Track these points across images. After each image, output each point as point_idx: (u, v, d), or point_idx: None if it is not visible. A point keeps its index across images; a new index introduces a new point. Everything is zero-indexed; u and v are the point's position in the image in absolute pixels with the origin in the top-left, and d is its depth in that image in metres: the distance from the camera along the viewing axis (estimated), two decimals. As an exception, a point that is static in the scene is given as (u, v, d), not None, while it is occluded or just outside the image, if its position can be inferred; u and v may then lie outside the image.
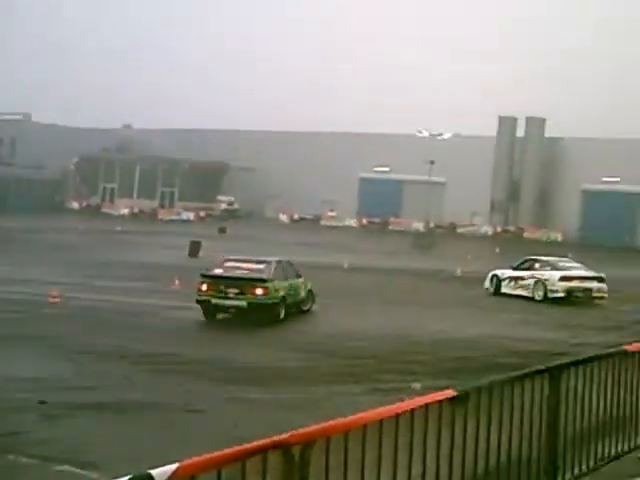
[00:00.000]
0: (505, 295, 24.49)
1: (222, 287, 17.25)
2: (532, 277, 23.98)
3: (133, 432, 8.89)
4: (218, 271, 17.93)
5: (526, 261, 25.15)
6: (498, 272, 25.39)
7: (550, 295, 23.29)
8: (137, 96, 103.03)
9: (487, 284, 25.47)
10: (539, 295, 23.54)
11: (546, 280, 23.50)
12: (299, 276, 19.33)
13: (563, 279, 23.29)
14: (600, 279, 23.61)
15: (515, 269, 24.96)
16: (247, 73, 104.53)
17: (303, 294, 19.25)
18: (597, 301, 23.53)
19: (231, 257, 19.11)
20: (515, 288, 24.44)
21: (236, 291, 17.16)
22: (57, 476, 7.40)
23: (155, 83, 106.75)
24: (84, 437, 8.67)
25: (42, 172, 71.38)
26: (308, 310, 19.47)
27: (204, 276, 17.74)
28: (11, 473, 7.48)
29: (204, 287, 17.41)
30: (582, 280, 23.47)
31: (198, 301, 17.56)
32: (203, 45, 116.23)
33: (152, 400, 10.27)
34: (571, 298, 23.30)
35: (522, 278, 24.29)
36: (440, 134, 63.43)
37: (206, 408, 9.92)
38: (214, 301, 17.29)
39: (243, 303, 17.14)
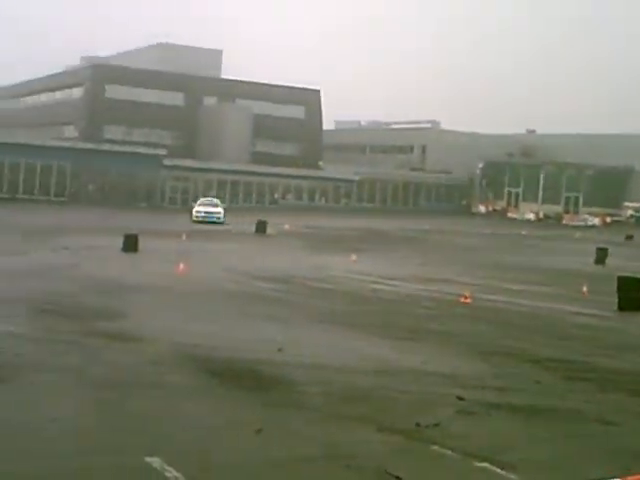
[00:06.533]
0: None
1: None
2: None
3: (546, 437, 8.72)
4: None
5: None
6: None
7: None
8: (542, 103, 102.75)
9: None
10: None
11: None
12: None
13: None
14: None
15: None
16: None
17: None
18: None
19: None
20: None
21: None
22: (477, 472, 7.55)
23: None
24: (500, 436, 8.72)
25: (449, 177, 75.31)
26: None
27: None
28: (436, 464, 7.84)
29: None
30: None
31: None
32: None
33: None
34: None
35: None
36: None
37: (621, 421, 9.40)
38: None
39: None
